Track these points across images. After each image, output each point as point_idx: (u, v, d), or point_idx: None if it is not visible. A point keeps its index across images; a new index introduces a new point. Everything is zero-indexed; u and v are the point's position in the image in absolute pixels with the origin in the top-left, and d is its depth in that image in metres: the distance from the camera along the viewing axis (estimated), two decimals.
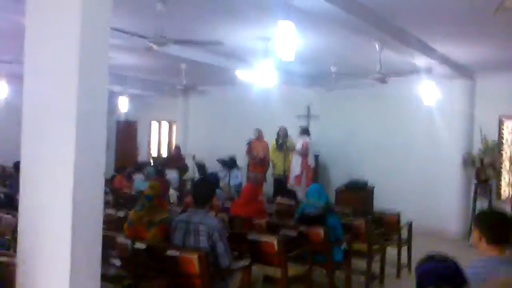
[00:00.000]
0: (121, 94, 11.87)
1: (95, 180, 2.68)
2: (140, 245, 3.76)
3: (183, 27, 6.48)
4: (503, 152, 8.65)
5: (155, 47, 5.54)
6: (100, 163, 2.71)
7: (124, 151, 14.37)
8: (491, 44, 6.73)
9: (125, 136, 14.59)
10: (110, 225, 4.53)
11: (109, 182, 8.24)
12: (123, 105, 12.15)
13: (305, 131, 9.80)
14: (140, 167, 9.43)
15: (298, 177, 9.44)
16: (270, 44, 6.64)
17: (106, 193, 5.23)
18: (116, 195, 7.15)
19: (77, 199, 2.50)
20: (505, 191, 8.73)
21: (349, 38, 6.43)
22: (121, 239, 3.89)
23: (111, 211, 5.24)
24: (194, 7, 5.68)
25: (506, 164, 8.60)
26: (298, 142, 9.63)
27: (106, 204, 4.65)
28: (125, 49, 7.61)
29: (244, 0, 5.18)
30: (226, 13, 5.81)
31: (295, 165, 9.51)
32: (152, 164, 11.31)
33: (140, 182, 8.09)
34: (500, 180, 8.71)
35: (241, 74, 8.66)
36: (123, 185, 8.44)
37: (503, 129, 8.73)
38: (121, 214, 5.09)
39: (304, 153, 9.48)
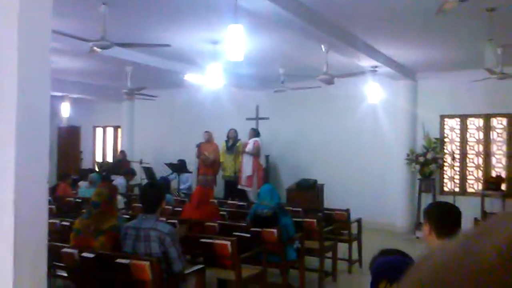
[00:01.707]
0: (63, 99, 11.42)
1: (38, 188, 2.54)
2: (88, 255, 3.62)
3: (128, 30, 6.33)
4: (445, 149, 9.05)
5: (98, 50, 5.37)
6: (42, 171, 2.57)
7: (67, 158, 13.84)
8: (432, 46, 7.03)
9: (68, 143, 14.05)
10: (55, 235, 4.33)
11: (52, 190, 7.89)
12: (65, 110, 11.69)
13: (255, 132, 9.84)
14: (84, 174, 9.10)
15: (249, 178, 9.45)
16: (218, 47, 6.61)
17: (49, 202, 5.00)
18: (60, 204, 6.86)
19: (19, 209, 2.36)
20: (447, 185, 9.13)
21: (296, 40, 6.51)
22: (67, 249, 3.72)
23: (55, 220, 5.01)
24: (139, 9, 5.56)
25: (448, 159, 9.00)
26: (249, 143, 9.64)
27: (50, 213, 4.44)
28: (67, 53, 7.33)
29: (192, 2, 5.12)
30: (173, 15, 5.72)
31: (246, 166, 9.51)
32: (97, 170, 10.96)
33: (85, 189, 7.81)
34: (443, 175, 9.12)
35: (190, 77, 8.57)
36: (67, 193, 8.11)
37: (444, 126, 9.14)
38: (65, 223, 4.88)
39: (255, 153, 9.51)
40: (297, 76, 8.53)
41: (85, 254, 3.62)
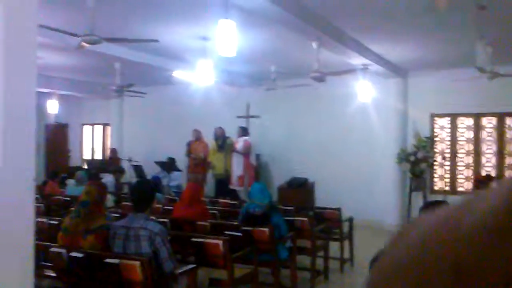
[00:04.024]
0: (50, 95, 11.26)
1: (25, 187, 2.46)
2: (76, 254, 3.54)
3: (117, 25, 6.23)
4: (435, 147, 9.07)
5: (86, 45, 5.26)
6: (29, 169, 2.49)
7: (55, 155, 13.67)
8: (422, 44, 7.03)
9: (56, 140, 13.88)
10: (42, 234, 4.24)
11: (40, 188, 7.77)
12: (53, 107, 11.53)
13: (244, 131, 9.78)
14: (72, 172, 8.98)
15: (240, 178, 9.39)
16: (209, 43, 6.54)
17: (37, 200, 4.91)
18: (48, 202, 6.75)
19: (5, 208, 2.29)
20: (437, 184, 9.16)
21: (288, 37, 6.47)
22: (55, 248, 3.63)
23: (43, 219, 4.91)
24: (128, 4, 5.47)
25: (438, 158, 9.02)
26: (239, 142, 9.58)
27: (38, 212, 4.35)
28: (54, 48, 7.21)
29: None
30: (163, 10, 5.64)
31: (237, 166, 9.45)
32: (86, 167, 10.82)
33: (73, 187, 7.69)
34: (433, 174, 9.14)
35: (178, 74, 8.48)
36: (55, 191, 7.99)
37: (435, 125, 9.16)
38: (54, 222, 4.79)
39: (246, 152, 9.44)
40: (288, 74, 8.50)
41: (74, 254, 3.54)
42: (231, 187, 9.48)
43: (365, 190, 9.26)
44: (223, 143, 9.78)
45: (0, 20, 2.30)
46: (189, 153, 10.04)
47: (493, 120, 8.76)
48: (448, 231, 0.33)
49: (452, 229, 0.33)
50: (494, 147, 8.76)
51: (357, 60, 7.31)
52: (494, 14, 5.12)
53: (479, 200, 0.34)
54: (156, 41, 6.07)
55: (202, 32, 6.39)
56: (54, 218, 4.96)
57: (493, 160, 8.77)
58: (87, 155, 13.68)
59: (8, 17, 2.33)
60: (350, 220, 6.43)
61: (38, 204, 5.67)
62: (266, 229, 4.60)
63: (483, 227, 0.31)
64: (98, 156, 13.43)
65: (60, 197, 7.29)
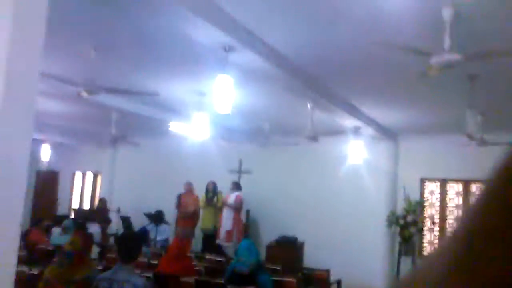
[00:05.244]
0: (43, 142, 11.24)
1: (10, 235, 2.41)
2: None
3: (117, 76, 6.35)
4: (425, 212, 9.06)
5: (85, 94, 5.34)
6: (16, 216, 2.45)
7: (43, 202, 13.44)
8: (413, 109, 7.19)
9: (45, 187, 13.69)
10: (22, 284, 4.09)
11: (23, 236, 7.58)
12: (45, 154, 11.48)
13: (236, 186, 9.75)
14: (59, 220, 8.81)
15: (228, 233, 9.26)
16: (205, 99, 6.65)
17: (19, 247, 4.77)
18: (31, 251, 6.57)
19: None
20: (427, 249, 9.07)
21: (283, 96, 6.61)
22: None
23: (24, 268, 4.77)
24: (128, 56, 5.60)
25: (427, 223, 8.99)
26: (230, 197, 9.53)
27: (18, 260, 4.23)
28: (51, 95, 7.28)
29: (181, 53, 5.19)
30: (163, 64, 5.77)
31: (226, 220, 9.35)
32: (72, 216, 10.63)
33: (57, 236, 7.52)
34: (422, 238, 9.07)
35: (175, 126, 8.56)
36: (39, 239, 7.80)
37: (424, 190, 9.20)
38: (35, 271, 4.64)
39: (238, 207, 9.39)
40: (282, 132, 8.61)
41: None
42: (218, 242, 9.33)
43: (355, 252, 9.13)
44: (213, 197, 9.73)
45: (4, 69, 2.34)
46: (179, 205, 9.94)
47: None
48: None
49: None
50: None
51: (349, 122, 7.44)
52: (484, 82, 5.28)
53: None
54: (157, 94, 6.18)
55: (199, 87, 6.51)
56: (35, 268, 4.81)
57: None
58: (76, 204, 13.48)
59: (12, 66, 2.38)
60: (339, 282, 6.31)
61: (20, 253, 5.52)
62: None
63: None
64: (87, 205, 13.24)
65: (43, 246, 7.11)
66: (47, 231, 8.26)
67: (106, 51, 5.07)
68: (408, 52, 3.95)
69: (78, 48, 5.10)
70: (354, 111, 7.15)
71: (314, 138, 6.94)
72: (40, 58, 2.58)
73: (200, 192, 9.92)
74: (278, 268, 6.28)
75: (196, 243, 9.83)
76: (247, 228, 9.88)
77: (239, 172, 10.27)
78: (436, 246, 8.77)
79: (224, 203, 9.49)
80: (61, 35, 4.68)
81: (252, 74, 5.35)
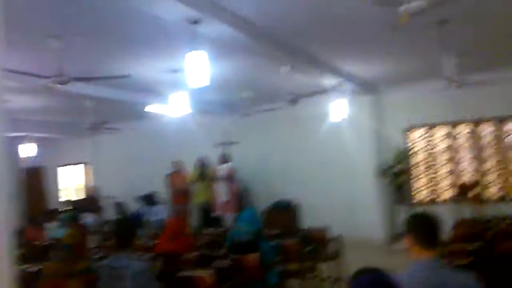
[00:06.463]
0: (23, 139, 11.03)
1: (2, 237, 2.36)
2: None
3: (86, 63, 6.20)
4: (413, 159, 9.18)
5: (56, 86, 5.21)
6: (6, 218, 2.39)
7: (34, 199, 13.31)
8: (390, 60, 7.20)
9: (33, 184, 13.54)
10: (22, 283, 4.07)
11: (20, 234, 7.53)
12: (27, 151, 11.29)
13: (225, 158, 9.77)
14: (51, 214, 8.76)
15: (226, 204, 9.31)
16: (180, 75, 6.54)
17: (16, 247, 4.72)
18: (29, 248, 6.54)
19: None
20: (419, 195, 9.23)
21: (258, 63, 6.53)
22: None
23: (22, 266, 4.74)
24: (94, 41, 5.44)
25: (417, 170, 9.13)
26: (220, 170, 9.56)
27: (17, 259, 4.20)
28: (24, 91, 7.11)
29: (146, 31, 5.05)
30: (131, 45, 5.63)
31: (221, 192, 9.41)
32: (69, 208, 10.55)
33: (55, 229, 7.49)
34: (413, 185, 9.23)
35: (152, 108, 8.46)
36: (36, 236, 7.76)
37: (410, 137, 9.30)
38: (33, 269, 4.61)
39: (230, 178, 9.42)
40: (262, 99, 8.56)
41: None
42: (215, 214, 9.41)
43: (349, 207, 9.27)
44: (202, 173, 9.75)
45: None
46: (170, 184, 9.95)
47: (468, 128, 8.93)
48: None
49: None
50: (471, 155, 8.91)
51: (329, 80, 7.41)
52: (455, 27, 5.28)
53: None
54: (128, 76, 6.05)
55: (172, 64, 6.39)
56: (33, 264, 4.78)
57: (471, 167, 8.91)
58: (65, 197, 13.38)
59: None
60: (339, 238, 6.38)
61: (18, 251, 5.48)
62: (255, 256, 4.54)
63: None
64: (77, 196, 13.15)
65: (39, 242, 7.07)
66: (41, 226, 8.21)
67: (68, 38, 4.90)
68: (379, 3, 3.93)
69: (38, 40, 4.92)
70: (333, 69, 7.12)
71: (294, 101, 6.91)
72: (1, 53, 2.48)
73: (189, 169, 9.90)
74: (276, 232, 6.34)
75: (193, 218, 9.88)
76: (242, 197, 9.91)
77: (224, 144, 10.25)
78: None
79: (216, 176, 9.53)
80: (17, 29, 4.49)
81: (225, 45, 5.25)
